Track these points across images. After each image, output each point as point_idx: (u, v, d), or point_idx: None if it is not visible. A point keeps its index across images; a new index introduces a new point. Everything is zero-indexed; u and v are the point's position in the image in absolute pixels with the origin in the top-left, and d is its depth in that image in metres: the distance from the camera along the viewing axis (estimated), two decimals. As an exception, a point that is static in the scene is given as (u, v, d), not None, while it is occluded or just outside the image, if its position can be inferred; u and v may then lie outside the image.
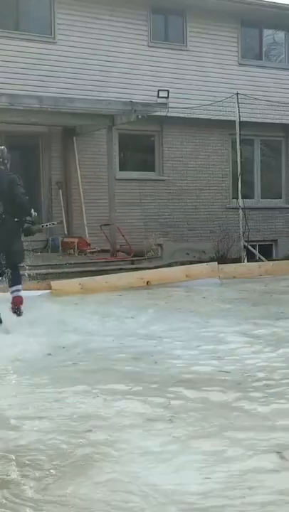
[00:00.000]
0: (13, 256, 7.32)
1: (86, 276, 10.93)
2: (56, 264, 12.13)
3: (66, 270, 11.58)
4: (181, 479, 3.17)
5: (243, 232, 14.51)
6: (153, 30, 15.45)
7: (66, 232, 14.48)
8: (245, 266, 13.51)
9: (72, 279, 10.58)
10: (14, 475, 3.25)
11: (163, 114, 13.89)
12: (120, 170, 15.24)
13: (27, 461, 3.41)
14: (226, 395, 4.55)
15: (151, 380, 4.96)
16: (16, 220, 7.25)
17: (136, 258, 13.33)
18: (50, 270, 11.38)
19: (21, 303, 7.30)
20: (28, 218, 7.31)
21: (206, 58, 15.81)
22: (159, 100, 13.45)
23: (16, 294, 7.32)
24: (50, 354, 5.93)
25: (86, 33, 14.28)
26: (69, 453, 3.52)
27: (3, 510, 2.90)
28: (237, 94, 14.53)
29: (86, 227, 14.44)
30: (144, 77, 14.75)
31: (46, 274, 10.87)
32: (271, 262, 14.27)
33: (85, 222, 14.43)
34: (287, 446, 3.55)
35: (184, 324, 7.48)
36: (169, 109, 13.75)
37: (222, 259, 14.22)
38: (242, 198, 14.73)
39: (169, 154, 15.94)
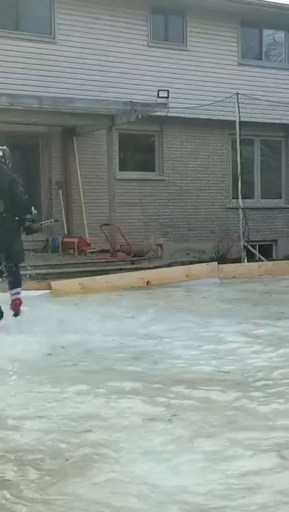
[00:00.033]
0: (13, 255, 7.33)
1: (86, 276, 10.93)
2: (56, 264, 12.13)
3: (66, 270, 11.58)
4: (181, 479, 3.17)
5: (243, 232, 14.51)
6: (153, 30, 15.44)
7: (66, 232, 14.48)
8: (245, 266, 13.51)
9: (72, 279, 10.58)
10: (13, 475, 3.25)
11: (163, 114, 13.88)
12: (120, 170, 15.23)
13: (26, 462, 3.41)
14: (226, 395, 4.55)
15: (151, 380, 4.96)
16: (16, 219, 7.27)
17: (136, 258, 13.33)
18: (50, 270, 11.38)
19: (20, 305, 7.31)
20: (28, 216, 7.32)
21: (205, 58, 15.80)
22: (159, 100, 13.45)
23: (15, 296, 7.32)
24: (50, 354, 5.93)
25: (86, 33, 14.27)
26: (69, 453, 3.52)
27: (1, 511, 2.90)
28: (237, 94, 14.53)
29: (86, 227, 14.43)
30: (143, 77, 14.75)
31: (46, 274, 10.86)
32: (271, 262, 14.27)
33: (85, 222, 14.42)
34: (287, 445, 3.55)
35: (184, 324, 7.47)
36: (169, 109, 13.75)
37: (222, 259, 14.21)
38: (242, 198, 14.73)
39: (169, 154, 15.94)
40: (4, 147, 7.61)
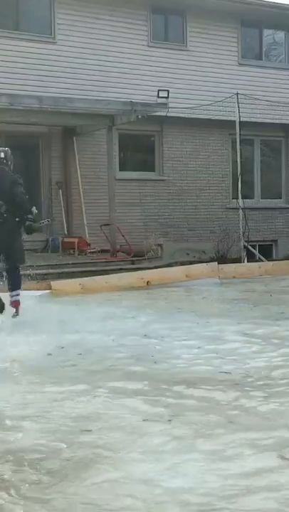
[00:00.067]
0: (13, 256, 7.37)
1: (86, 276, 10.93)
2: (56, 264, 12.14)
3: (66, 270, 11.59)
4: (181, 479, 3.17)
5: (243, 232, 14.51)
6: (153, 30, 15.45)
7: (66, 232, 14.49)
8: (245, 266, 13.52)
9: (73, 279, 10.58)
10: (13, 476, 3.24)
11: (163, 114, 13.89)
12: (120, 170, 15.24)
13: (26, 462, 3.40)
14: (226, 395, 4.55)
15: (151, 380, 4.96)
16: (17, 219, 7.30)
17: (136, 258, 13.33)
18: (50, 270, 11.38)
19: (18, 305, 7.35)
20: (29, 216, 7.37)
21: (205, 58, 15.81)
22: (159, 100, 13.46)
23: (15, 298, 7.37)
24: (50, 354, 5.93)
25: (86, 33, 14.28)
26: (68, 453, 3.51)
27: None
28: (237, 94, 14.53)
29: (86, 227, 14.44)
30: (143, 77, 14.75)
31: (46, 274, 10.86)
32: (271, 262, 14.27)
33: (85, 222, 14.43)
34: (288, 445, 3.55)
35: (184, 324, 7.47)
36: (169, 109, 13.76)
37: (222, 259, 14.22)
38: (242, 198, 14.74)
39: (169, 154, 15.94)
40: (6, 149, 7.68)
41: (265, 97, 15.85)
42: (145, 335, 6.84)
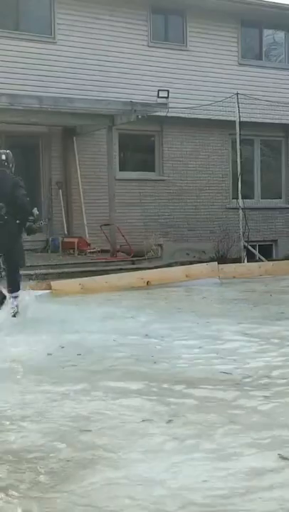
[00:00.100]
0: (13, 258, 7.41)
1: (86, 276, 10.92)
2: (56, 264, 12.14)
3: (66, 270, 11.59)
4: (181, 479, 3.16)
5: (243, 233, 14.51)
6: (153, 30, 15.45)
7: (66, 232, 14.49)
8: (245, 266, 13.51)
9: (72, 279, 10.57)
10: (12, 476, 3.24)
11: (163, 114, 13.89)
12: (120, 170, 15.24)
13: (25, 462, 3.40)
14: (226, 395, 4.55)
15: (151, 380, 4.96)
16: (17, 221, 7.34)
17: (136, 258, 13.33)
18: (50, 270, 11.38)
19: (17, 306, 7.38)
20: (30, 218, 7.40)
21: (205, 58, 15.81)
22: (159, 100, 13.46)
23: (14, 299, 7.39)
24: (50, 354, 5.93)
25: (86, 33, 14.28)
26: (68, 453, 3.51)
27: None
28: (237, 94, 14.53)
29: (86, 227, 14.44)
30: (143, 77, 14.75)
31: (46, 274, 10.87)
32: (271, 262, 14.26)
33: (85, 222, 14.43)
34: (288, 445, 3.55)
35: (184, 324, 7.47)
36: (169, 109, 13.76)
37: (222, 259, 14.22)
38: (242, 198, 14.73)
39: (169, 154, 15.94)
40: (7, 151, 7.74)
41: (265, 97, 15.85)
42: (146, 335, 6.84)
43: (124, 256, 13.59)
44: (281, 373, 5.16)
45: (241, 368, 5.37)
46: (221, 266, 12.30)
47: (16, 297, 7.40)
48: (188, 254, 15.38)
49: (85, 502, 2.95)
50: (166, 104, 13.50)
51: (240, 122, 14.62)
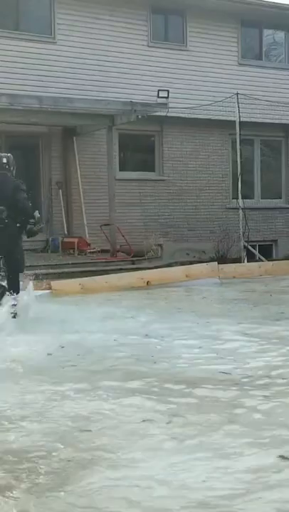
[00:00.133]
0: (13, 261, 7.45)
1: (86, 276, 10.93)
2: (56, 264, 12.14)
3: (66, 270, 11.58)
4: (181, 479, 3.16)
5: (243, 233, 14.51)
6: (153, 30, 15.45)
7: (66, 232, 14.49)
8: (245, 266, 13.51)
9: (72, 279, 10.58)
10: (11, 476, 3.23)
11: (163, 114, 13.89)
12: (120, 170, 15.24)
13: (24, 462, 3.40)
14: (226, 394, 4.55)
15: (151, 380, 4.96)
16: (18, 225, 7.37)
17: (136, 258, 13.33)
18: (50, 270, 11.37)
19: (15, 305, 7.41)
20: (31, 221, 7.44)
21: (205, 58, 15.81)
22: (159, 100, 13.46)
23: (13, 301, 7.40)
24: (50, 354, 5.93)
25: (86, 33, 14.28)
26: (68, 454, 3.51)
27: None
28: (237, 94, 14.53)
29: (86, 227, 14.44)
30: (143, 77, 14.75)
31: (46, 274, 10.86)
32: (271, 262, 14.27)
33: (85, 222, 14.43)
34: (288, 444, 3.55)
35: (184, 324, 7.47)
36: (169, 109, 13.76)
37: (222, 259, 14.21)
38: (242, 198, 14.73)
39: (169, 154, 15.94)
40: (9, 154, 7.78)
41: (265, 97, 15.85)
42: (146, 335, 6.84)
43: (124, 256, 13.59)
44: (281, 373, 5.16)
45: (241, 367, 5.37)
46: (221, 266, 12.31)
47: (15, 299, 7.40)
48: (188, 254, 15.38)
49: (85, 502, 2.95)
50: (166, 104, 13.49)
51: (240, 122, 14.62)
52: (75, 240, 13.95)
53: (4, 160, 7.58)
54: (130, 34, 14.91)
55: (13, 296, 7.36)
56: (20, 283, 7.66)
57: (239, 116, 14.53)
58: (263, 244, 16.78)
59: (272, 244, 17.26)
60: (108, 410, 4.23)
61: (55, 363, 5.61)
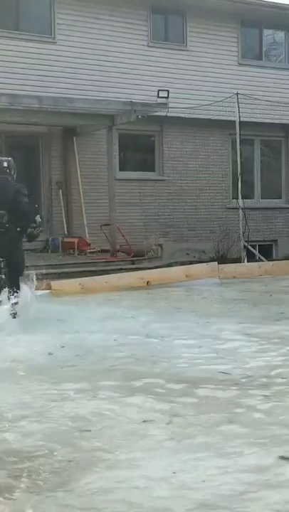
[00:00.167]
0: (14, 265, 7.48)
1: (86, 276, 10.93)
2: (56, 264, 12.13)
3: (66, 270, 11.58)
4: (181, 479, 3.16)
5: (243, 232, 14.51)
6: (153, 30, 15.45)
7: (66, 232, 14.49)
8: (245, 266, 13.51)
9: (72, 279, 10.58)
10: (9, 477, 3.23)
11: (163, 114, 13.89)
12: (120, 170, 15.24)
13: (24, 463, 3.39)
14: (226, 394, 4.55)
15: (151, 380, 4.95)
16: (18, 229, 7.40)
17: (136, 258, 13.33)
18: (50, 270, 11.36)
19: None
20: (32, 225, 7.47)
21: (205, 58, 15.81)
22: (159, 100, 13.46)
23: (13, 302, 7.42)
24: (50, 354, 5.93)
25: (86, 33, 14.29)
26: (67, 454, 3.51)
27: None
28: (237, 94, 14.53)
29: (86, 227, 14.44)
30: (143, 77, 14.75)
31: (46, 274, 10.85)
32: (271, 262, 14.27)
33: (85, 222, 14.43)
34: (288, 444, 3.55)
35: (184, 324, 7.47)
36: (169, 109, 13.76)
37: (222, 259, 14.22)
38: (242, 198, 14.73)
39: (169, 154, 15.94)
40: (9, 158, 7.82)
41: (265, 97, 15.85)
42: (146, 335, 6.84)
43: (124, 256, 13.59)
44: (281, 373, 5.16)
45: (241, 367, 5.37)
46: (221, 266, 12.31)
47: (15, 299, 7.41)
48: (188, 254, 15.38)
49: (85, 502, 2.95)
50: (166, 104, 13.49)
51: (240, 122, 14.62)
52: (75, 240, 13.95)
53: (5, 164, 7.61)
54: (130, 34, 14.91)
55: (13, 296, 7.37)
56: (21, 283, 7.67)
57: (239, 116, 14.54)
58: (263, 244, 16.78)
59: (272, 244, 17.26)
60: (108, 410, 4.23)
61: (55, 363, 5.61)
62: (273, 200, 17.58)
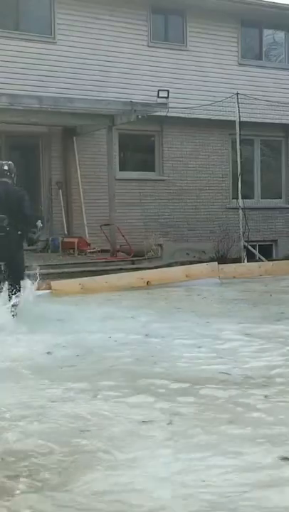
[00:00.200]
0: (14, 268, 7.49)
1: (86, 276, 10.92)
2: (56, 264, 12.13)
3: (66, 270, 11.58)
4: (181, 478, 3.16)
5: (243, 232, 14.51)
6: (153, 30, 15.44)
7: (66, 232, 14.49)
8: (245, 266, 13.51)
9: (72, 279, 10.57)
10: (9, 477, 3.23)
11: (163, 114, 13.88)
12: (120, 170, 15.24)
13: (23, 463, 3.39)
14: (226, 394, 4.55)
15: (151, 380, 4.96)
16: (19, 233, 7.42)
17: (136, 258, 13.33)
18: (50, 270, 11.36)
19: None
20: (32, 229, 7.50)
21: (205, 58, 15.81)
22: (159, 100, 13.45)
23: (14, 302, 7.43)
24: (50, 354, 5.93)
25: (86, 33, 14.28)
26: (67, 454, 3.51)
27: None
28: (237, 94, 14.53)
29: (86, 227, 14.44)
30: (143, 77, 14.75)
31: (46, 274, 10.85)
32: (271, 262, 14.26)
33: (85, 222, 14.43)
34: (288, 444, 3.55)
35: (184, 324, 7.47)
36: (169, 109, 13.75)
37: (222, 259, 14.22)
38: (242, 198, 14.73)
39: (169, 154, 15.94)
40: (10, 162, 7.81)
41: (265, 97, 15.85)
42: (146, 335, 6.84)
43: (124, 256, 13.58)
44: (281, 373, 5.16)
45: (241, 367, 5.37)
46: (221, 266, 12.31)
47: (16, 299, 7.42)
48: (188, 254, 15.38)
49: (84, 503, 2.95)
50: (166, 104, 13.49)
51: (240, 122, 14.62)
52: (75, 240, 13.95)
53: (5, 167, 7.63)
54: (130, 34, 14.91)
55: (14, 296, 7.38)
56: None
57: (239, 116, 14.53)
58: (263, 244, 16.78)
59: (272, 244, 17.26)
60: (108, 410, 4.23)
61: (55, 363, 5.61)
62: (273, 200, 17.58)
